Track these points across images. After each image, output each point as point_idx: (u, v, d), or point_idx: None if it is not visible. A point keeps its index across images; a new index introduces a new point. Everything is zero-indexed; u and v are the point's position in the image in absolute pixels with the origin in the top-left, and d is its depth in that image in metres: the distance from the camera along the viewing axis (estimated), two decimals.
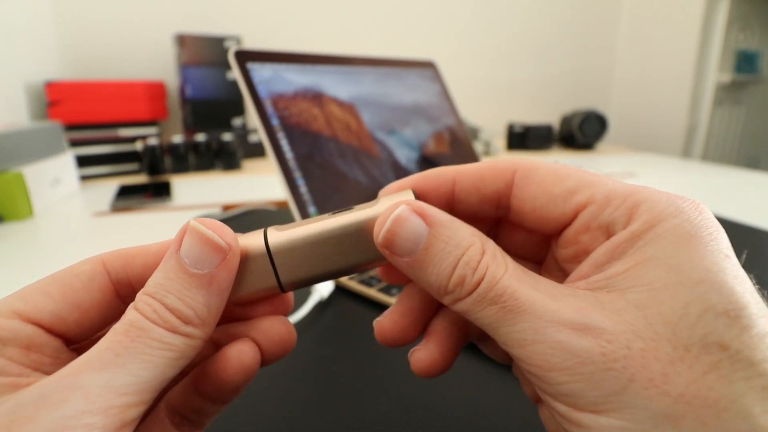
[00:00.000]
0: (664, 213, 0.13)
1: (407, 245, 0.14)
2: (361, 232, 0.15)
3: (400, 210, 0.14)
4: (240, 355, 0.15)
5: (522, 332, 0.13)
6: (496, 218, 0.19)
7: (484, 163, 0.17)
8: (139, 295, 0.14)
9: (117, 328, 0.13)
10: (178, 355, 0.13)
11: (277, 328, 0.16)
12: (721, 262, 0.13)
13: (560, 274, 0.17)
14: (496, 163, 0.17)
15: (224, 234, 0.14)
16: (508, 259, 0.14)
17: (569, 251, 0.16)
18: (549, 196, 0.15)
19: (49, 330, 0.14)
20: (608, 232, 0.14)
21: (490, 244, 0.15)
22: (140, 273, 0.16)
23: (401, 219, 0.14)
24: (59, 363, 0.14)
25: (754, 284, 0.13)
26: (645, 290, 0.13)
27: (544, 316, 0.13)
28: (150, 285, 0.14)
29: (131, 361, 0.12)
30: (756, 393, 0.11)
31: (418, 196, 0.17)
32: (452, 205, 0.17)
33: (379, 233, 0.15)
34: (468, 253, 0.14)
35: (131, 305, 0.14)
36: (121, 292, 0.16)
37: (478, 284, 0.14)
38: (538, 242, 0.18)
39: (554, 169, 0.16)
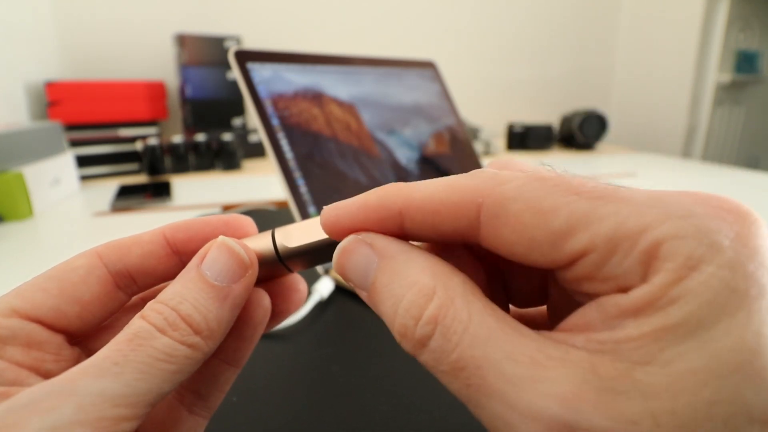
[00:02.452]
0: (694, 257, 0.10)
1: (357, 279, 0.13)
2: None
3: (347, 242, 0.14)
4: (258, 295, 0.16)
5: (493, 419, 0.10)
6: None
7: (440, 192, 0.13)
8: (149, 304, 0.14)
9: (119, 337, 0.13)
10: (177, 369, 0.13)
11: (286, 281, 0.18)
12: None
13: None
14: (456, 191, 0.12)
15: (247, 251, 0.15)
16: (476, 307, 0.11)
17: (570, 288, 0.12)
18: (530, 242, 0.11)
19: (49, 326, 0.14)
20: (620, 285, 0.11)
21: (453, 284, 0.12)
22: (137, 263, 0.16)
23: (347, 251, 0.13)
24: (61, 360, 0.14)
25: None
26: (660, 371, 0.09)
27: (518, 405, 0.10)
28: (166, 293, 0.14)
29: (129, 371, 0.12)
30: None
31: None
32: (404, 237, 0.14)
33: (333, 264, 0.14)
34: (408, 296, 0.12)
35: (138, 314, 0.13)
36: (120, 282, 0.16)
37: (426, 341, 0.11)
38: None
39: (533, 200, 0.11)
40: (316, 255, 0.16)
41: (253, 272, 0.15)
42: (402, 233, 0.13)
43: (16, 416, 0.11)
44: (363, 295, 0.13)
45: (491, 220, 0.12)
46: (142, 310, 0.14)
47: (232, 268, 0.14)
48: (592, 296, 0.11)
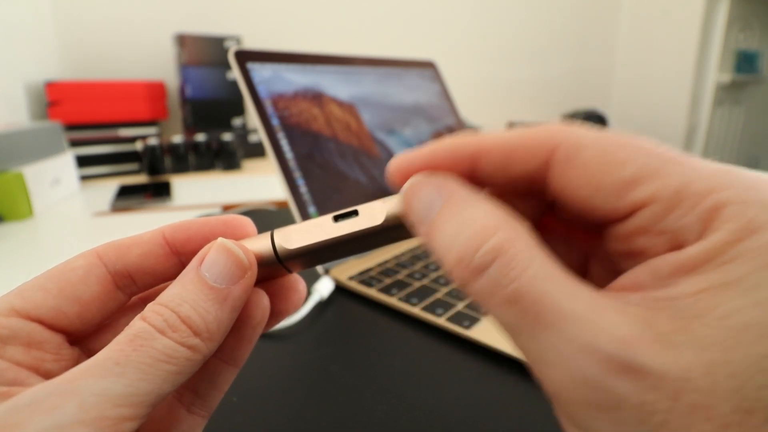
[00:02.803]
0: (755, 222, 0.10)
1: (421, 211, 0.13)
2: (364, 237, 0.16)
3: (416, 178, 0.14)
4: (257, 295, 0.16)
5: (544, 350, 0.11)
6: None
7: (515, 135, 0.13)
8: (149, 306, 0.14)
9: (120, 337, 0.13)
10: (178, 370, 0.13)
11: (285, 281, 0.18)
12: None
13: (610, 262, 0.14)
14: (531, 135, 0.13)
15: (246, 253, 0.15)
16: (539, 253, 0.12)
17: (621, 247, 0.13)
18: (597, 186, 0.12)
19: (49, 325, 0.14)
20: (675, 240, 0.11)
21: (519, 229, 0.12)
22: (137, 262, 0.16)
23: (415, 185, 0.14)
24: (61, 360, 0.14)
25: None
26: (716, 326, 0.10)
27: (575, 339, 0.10)
28: (165, 295, 0.14)
29: (131, 371, 0.12)
30: None
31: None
32: (472, 182, 0.14)
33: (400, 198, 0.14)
34: (471, 229, 0.12)
35: (138, 316, 0.14)
36: (120, 282, 0.16)
37: (484, 269, 0.11)
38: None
39: (608, 148, 0.12)
40: (315, 256, 0.16)
41: (252, 274, 0.15)
42: (471, 177, 0.14)
43: (19, 415, 0.11)
44: (422, 229, 0.13)
45: (563, 163, 0.13)
46: (143, 312, 0.14)
47: (231, 269, 0.14)
48: (639, 256, 0.12)
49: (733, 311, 0.10)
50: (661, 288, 0.11)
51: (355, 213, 0.16)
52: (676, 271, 0.11)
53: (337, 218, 0.16)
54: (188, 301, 0.14)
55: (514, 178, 0.14)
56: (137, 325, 0.13)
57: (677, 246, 0.11)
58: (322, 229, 0.16)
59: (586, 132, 0.13)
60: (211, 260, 0.14)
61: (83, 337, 0.16)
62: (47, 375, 0.14)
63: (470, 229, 0.12)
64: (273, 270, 0.16)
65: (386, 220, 0.15)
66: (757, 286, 0.10)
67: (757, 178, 0.11)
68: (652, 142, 0.12)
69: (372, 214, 0.16)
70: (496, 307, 0.11)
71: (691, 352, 0.10)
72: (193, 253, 0.16)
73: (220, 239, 0.15)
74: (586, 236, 0.15)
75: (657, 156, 0.12)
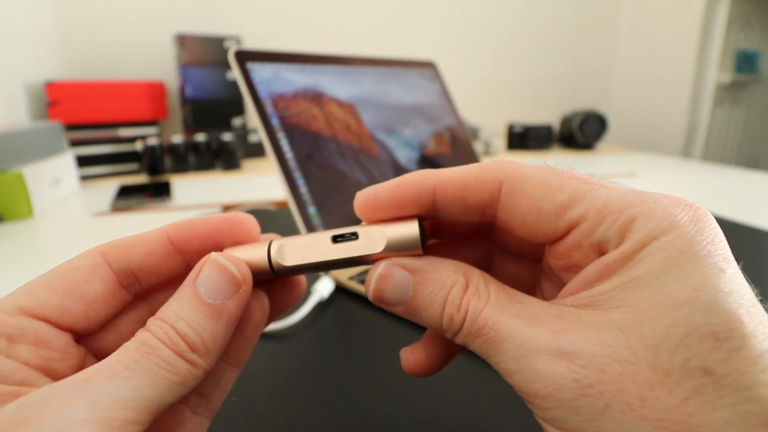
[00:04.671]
0: (656, 230, 0.13)
1: (396, 296, 0.15)
2: (359, 261, 0.16)
3: (382, 268, 0.15)
4: (256, 295, 0.17)
5: (506, 362, 0.13)
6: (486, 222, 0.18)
7: (469, 170, 0.15)
8: (151, 320, 0.14)
9: (128, 344, 0.13)
10: (180, 381, 0.13)
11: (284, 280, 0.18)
12: (713, 278, 0.12)
13: (556, 278, 0.17)
14: (482, 170, 0.15)
15: (240, 268, 0.15)
16: (492, 287, 0.15)
17: (561, 263, 0.15)
18: (539, 212, 0.14)
19: (56, 324, 0.14)
20: (600, 251, 0.14)
21: (474, 276, 0.15)
22: (140, 262, 0.16)
23: (384, 276, 0.15)
24: (68, 358, 0.14)
25: (756, 295, 0.12)
26: (628, 311, 0.12)
27: (522, 344, 0.13)
28: (164, 311, 0.14)
29: (138, 376, 0.12)
30: (743, 420, 0.11)
31: (423, 218, 0.17)
32: (433, 213, 0.16)
33: (369, 291, 0.16)
34: (452, 292, 0.15)
35: (142, 329, 0.14)
36: (124, 281, 0.16)
37: (464, 320, 0.14)
38: (534, 243, 0.18)
39: (545, 179, 0.14)
40: (311, 270, 0.16)
41: (247, 288, 0.15)
42: (432, 207, 0.16)
43: (32, 411, 0.11)
44: (399, 310, 0.16)
45: (509, 194, 0.15)
46: (146, 325, 0.14)
47: (224, 285, 0.15)
48: (576, 268, 0.14)
49: (639, 299, 0.12)
50: (588, 289, 0.14)
51: (354, 236, 0.16)
52: (599, 275, 0.13)
53: (336, 239, 0.16)
54: (184, 318, 0.14)
55: (468, 207, 0.15)
56: (143, 335, 0.13)
57: (602, 254, 0.14)
58: (320, 248, 0.16)
59: (528, 166, 0.15)
60: (205, 276, 0.15)
61: (88, 335, 0.16)
62: (54, 374, 0.14)
63: (452, 293, 0.15)
64: (270, 277, 0.17)
65: (386, 249, 0.15)
66: (654, 279, 0.12)
67: (661, 196, 0.14)
68: (580, 171, 0.15)
69: (372, 240, 0.16)
70: (471, 338, 0.14)
71: (612, 332, 0.12)
72: (197, 252, 0.16)
73: (213, 254, 0.15)
74: (535, 249, 0.18)
75: (585, 182, 0.14)
